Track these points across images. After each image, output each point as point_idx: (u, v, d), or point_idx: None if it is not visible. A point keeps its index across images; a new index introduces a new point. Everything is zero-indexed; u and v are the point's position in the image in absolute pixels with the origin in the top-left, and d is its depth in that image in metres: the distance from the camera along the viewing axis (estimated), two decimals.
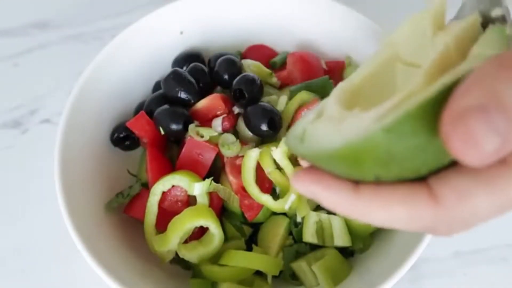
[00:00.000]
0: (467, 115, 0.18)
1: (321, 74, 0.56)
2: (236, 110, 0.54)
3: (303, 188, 0.25)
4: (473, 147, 0.18)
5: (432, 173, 0.24)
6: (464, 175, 0.22)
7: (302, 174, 0.25)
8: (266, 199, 0.48)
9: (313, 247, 0.51)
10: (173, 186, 0.49)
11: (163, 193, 0.50)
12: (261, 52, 0.61)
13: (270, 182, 0.49)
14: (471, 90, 0.18)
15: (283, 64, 0.59)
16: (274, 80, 0.57)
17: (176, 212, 0.49)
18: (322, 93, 0.54)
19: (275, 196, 0.50)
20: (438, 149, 0.22)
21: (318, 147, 0.24)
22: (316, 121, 0.26)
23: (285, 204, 0.48)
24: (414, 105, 0.21)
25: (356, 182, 0.24)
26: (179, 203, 0.50)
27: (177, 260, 0.50)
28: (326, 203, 0.24)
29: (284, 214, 0.50)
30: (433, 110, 0.21)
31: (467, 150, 0.18)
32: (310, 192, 0.24)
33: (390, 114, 0.22)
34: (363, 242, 0.51)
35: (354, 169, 0.23)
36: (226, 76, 0.56)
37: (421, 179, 0.24)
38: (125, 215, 0.53)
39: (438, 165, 0.23)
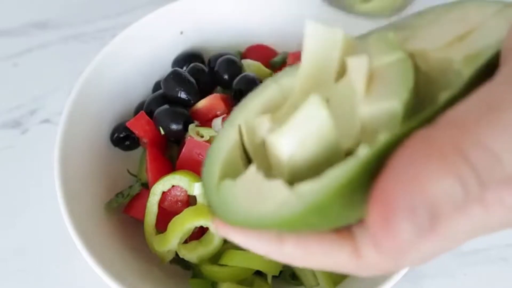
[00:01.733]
0: (395, 215, 0.19)
1: None
2: None
3: (227, 234, 0.25)
4: (392, 239, 0.19)
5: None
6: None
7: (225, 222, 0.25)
8: None
9: None
10: (173, 186, 0.49)
11: (163, 193, 0.50)
12: (261, 52, 0.61)
13: None
14: (399, 184, 0.19)
15: (283, 64, 0.59)
16: None
17: (176, 212, 0.48)
18: None
19: None
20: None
21: (240, 215, 0.23)
22: (234, 180, 0.24)
23: None
24: (337, 183, 0.20)
25: None
26: (179, 203, 0.50)
27: (177, 260, 0.50)
28: (251, 247, 0.25)
29: None
30: (362, 178, 0.21)
31: (387, 241, 0.20)
32: (235, 239, 0.25)
33: (305, 187, 0.21)
34: None
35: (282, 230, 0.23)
36: (226, 76, 0.56)
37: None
38: (125, 215, 0.53)
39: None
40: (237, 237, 0.25)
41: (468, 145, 0.19)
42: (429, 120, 0.21)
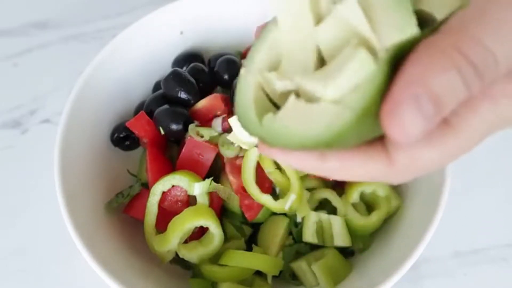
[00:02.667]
0: (399, 106, 0.21)
1: None
2: None
3: (272, 155, 0.27)
4: (401, 130, 0.22)
5: None
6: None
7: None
8: (266, 200, 0.48)
9: (313, 247, 0.51)
10: (173, 186, 0.49)
11: (163, 193, 0.50)
12: None
13: (270, 182, 0.49)
14: (404, 83, 0.22)
15: None
16: None
17: (176, 212, 0.48)
18: None
19: (275, 196, 0.50)
20: None
21: (287, 136, 0.24)
22: (275, 113, 0.25)
23: (285, 204, 0.48)
24: (375, 84, 0.22)
25: None
26: (179, 203, 0.50)
27: (177, 260, 0.50)
28: (295, 166, 0.27)
29: (284, 214, 0.50)
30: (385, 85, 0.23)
31: (397, 133, 0.22)
32: (280, 159, 0.27)
33: (350, 97, 0.23)
34: (363, 242, 0.51)
35: (326, 149, 0.25)
36: (226, 76, 0.56)
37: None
38: (125, 215, 0.53)
39: None
40: (282, 157, 0.26)
41: (465, 43, 0.21)
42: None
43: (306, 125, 0.24)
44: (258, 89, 0.27)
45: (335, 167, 0.26)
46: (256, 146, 0.43)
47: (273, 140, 0.25)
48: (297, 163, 0.27)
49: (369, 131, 0.24)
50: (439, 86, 0.21)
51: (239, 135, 0.43)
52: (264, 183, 0.49)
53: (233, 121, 0.43)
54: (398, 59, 0.23)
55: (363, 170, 0.26)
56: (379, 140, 0.26)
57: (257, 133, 0.26)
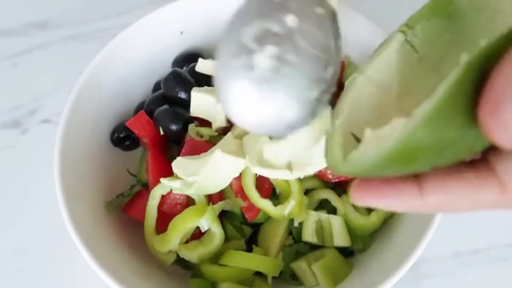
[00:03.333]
0: (503, 103, 0.20)
1: None
2: None
3: (366, 203, 0.26)
4: (506, 132, 0.20)
5: (487, 148, 0.24)
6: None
7: (360, 190, 0.26)
8: (265, 204, 0.47)
9: (313, 247, 0.51)
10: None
11: (162, 196, 0.50)
12: None
13: (270, 183, 0.49)
14: (506, 83, 0.20)
15: None
16: None
17: (176, 215, 0.49)
18: None
19: (275, 197, 0.50)
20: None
21: (368, 160, 0.25)
22: (354, 148, 0.27)
23: (284, 210, 0.47)
24: (443, 91, 0.22)
25: (416, 176, 0.25)
26: (179, 206, 0.50)
27: (177, 260, 0.50)
28: (394, 208, 0.26)
29: None
30: (464, 90, 0.22)
31: (502, 136, 0.20)
32: (376, 204, 0.26)
33: (420, 109, 0.23)
34: (363, 242, 0.51)
35: (409, 167, 0.24)
36: None
37: (480, 159, 0.24)
38: (125, 215, 0.53)
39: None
40: (376, 202, 0.25)
41: None
42: None
43: (380, 144, 0.24)
44: (345, 135, 0.29)
45: (438, 202, 0.24)
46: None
47: (357, 170, 0.26)
48: (396, 205, 0.25)
49: (449, 140, 0.23)
50: None
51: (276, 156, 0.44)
52: (264, 184, 0.49)
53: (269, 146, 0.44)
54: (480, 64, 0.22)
55: (470, 202, 0.24)
56: (482, 162, 0.24)
57: (344, 170, 0.27)
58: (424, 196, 0.24)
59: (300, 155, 0.45)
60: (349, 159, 0.27)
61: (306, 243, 0.50)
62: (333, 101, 0.55)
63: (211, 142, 0.50)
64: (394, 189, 0.25)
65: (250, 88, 0.27)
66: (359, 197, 0.26)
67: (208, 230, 0.49)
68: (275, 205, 0.48)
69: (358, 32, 0.56)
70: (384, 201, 0.25)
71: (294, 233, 0.51)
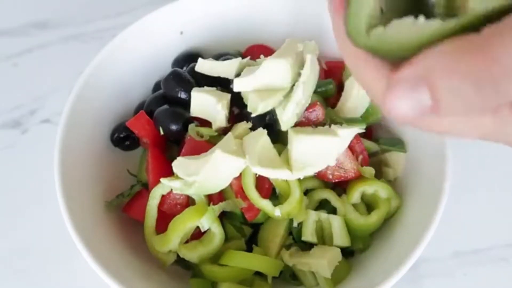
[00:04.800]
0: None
1: (321, 74, 0.56)
2: (236, 110, 0.54)
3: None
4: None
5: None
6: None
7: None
8: (265, 205, 0.47)
9: (313, 247, 0.51)
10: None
11: (162, 196, 0.50)
12: (261, 52, 0.61)
13: (270, 183, 0.49)
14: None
15: None
16: None
17: (176, 215, 0.49)
18: (324, 95, 0.54)
19: (275, 197, 0.50)
20: None
21: (397, 38, 0.26)
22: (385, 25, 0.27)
23: (280, 211, 0.47)
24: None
25: None
26: (179, 206, 0.50)
27: (177, 260, 0.50)
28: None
29: None
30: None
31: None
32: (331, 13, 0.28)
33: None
34: (363, 242, 0.51)
35: None
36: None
37: None
38: (125, 215, 0.53)
39: None
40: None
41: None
42: None
43: (412, 29, 0.25)
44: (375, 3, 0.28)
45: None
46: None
47: (377, 46, 0.26)
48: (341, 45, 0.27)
49: None
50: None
51: None
52: (264, 184, 0.49)
53: None
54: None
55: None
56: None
57: (364, 42, 0.27)
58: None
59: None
60: (374, 33, 0.27)
61: (306, 242, 0.50)
62: (333, 101, 0.56)
63: (211, 142, 0.50)
64: None
65: None
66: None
67: (208, 230, 0.49)
68: (275, 205, 0.48)
69: None
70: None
71: (294, 233, 0.51)
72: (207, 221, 0.47)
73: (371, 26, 0.27)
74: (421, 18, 0.25)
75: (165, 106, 0.53)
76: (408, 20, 0.26)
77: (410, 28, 0.26)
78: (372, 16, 0.28)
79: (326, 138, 0.46)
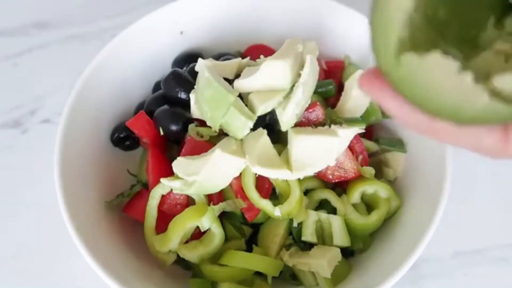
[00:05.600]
0: None
1: (321, 74, 0.56)
2: None
3: (380, 97, 0.25)
4: None
5: None
6: None
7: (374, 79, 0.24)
8: (265, 205, 0.47)
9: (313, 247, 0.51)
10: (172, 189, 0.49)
11: (162, 196, 0.50)
12: (261, 52, 0.61)
13: (270, 183, 0.49)
14: None
15: None
16: None
17: (176, 215, 0.48)
18: (324, 95, 0.54)
19: (275, 197, 0.50)
20: None
21: (424, 93, 0.22)
22: (421, 55, 0.22)
23: (280, 211, 0.47)
24: None
25: None
26: (178, 206, 0.50)
27: (177, 260, 0.50)
28: (402, 119, 0.25)
29: None
30: None
31: None
32: (377, 97, 0.25)
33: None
34: (363, 242, 0.51)
35: None
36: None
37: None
38: (125, 215, 0.53)
39: None
40: (393, 104, 0.24)
41: None
42: None
43: (456, 97, 0.22)
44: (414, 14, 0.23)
45: (445, 128, 0.25)
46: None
47: (407, 89, 0.22)
48: (407, 118, 0.25)
49: None
50: None
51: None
52: (264, 184, 0.49)
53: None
54: None
55: (474, 139, 0.25)
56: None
57: (388, 67, 0.22)
58: (435, 121, 0.24)
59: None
60: (405, 64, 0.22)
61: (306, 242, 0.50)
62: (333, 101, 0.56)
63: (211, 142, 0.50)
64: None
65: None
66: (379, 85, 0.24)
67: (208, 230, 0.49)
68: (275, 205, 0.48)
69: (358, 32, 0.56)
70: (401, 110, 0.25)
71: (294, 233, 0.51)
72: (207, 221, 0.47)
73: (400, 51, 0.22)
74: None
75: (165, 106, 0.53)
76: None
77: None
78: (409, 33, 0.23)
79: (326, 138, 0.46)
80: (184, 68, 0.57)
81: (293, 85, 0.49)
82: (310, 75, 0.48)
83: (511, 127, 0.25)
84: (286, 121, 0.48)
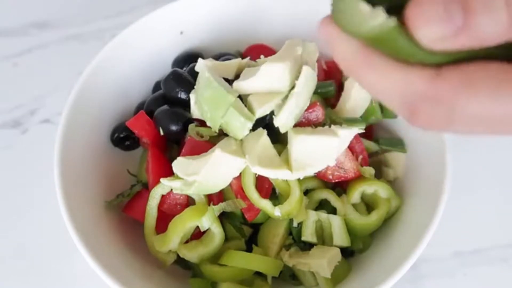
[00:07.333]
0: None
1: (321, 74, 0.56)
2: None
3: (324, 33, 0.27)
4: (428, 26, 0.21)
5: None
6: (485, 70, 0.22)
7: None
8: (265, 204, 0.47)
9: (313, 247, 0.51)
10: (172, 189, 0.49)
11: (162, 196, 0.50)
12: (261, 52, 0.61)
13: (270, 183, 0.49)
14: None
15: None
16: None
17: (176, 215, 0.48)
18: (324, 96, 0.54)
19: (275, 197, 0.50)
20: None
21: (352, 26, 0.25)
22: None
23: (280, 211, 0.47)
24: None
25: None
26: (179, 206, 0.50)
27: (177, 260, 0.50)
28: (336, 53, 0.26)
29: None
30: None
31: (425, 32, 0.21)
32: (328, 38, 0.26)
33: None
34: (362, 242, 0.51)
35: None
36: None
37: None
38: (125, 215, 0.53)
39: None
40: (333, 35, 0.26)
41: None
42: None
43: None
44: None
45: (367, 63, 0.24)
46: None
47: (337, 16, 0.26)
48: (342, 50, 0.26)
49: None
50: None
51: None
52: (264, 184, 0.49)
53: None
54: None
55: (399, 78, 0.23)
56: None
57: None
58: (366, 55, 0.24)
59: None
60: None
61: (305, 242, 0.50)
62: (333, 101, 0.56)
63: (211, 142, 0.50)
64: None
65: None
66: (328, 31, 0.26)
67: (208, 230, 0.49)
68: (275, 205, 0.48)
69: None
70: (339, 41, 0.27)
71: (294, 233, 0.51)
72: (207, 221, 0.47)
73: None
74: None
75: (165, 106, 0.53)
76: None
77: None
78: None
79: (326, 138, 0.46)
80: (184, 68, 0.57)
81: (292, 87, 0.49)
82: (304, 85, 0.48)
83: (444, 69, 0.22)
84: (281, 125, 0.48)
